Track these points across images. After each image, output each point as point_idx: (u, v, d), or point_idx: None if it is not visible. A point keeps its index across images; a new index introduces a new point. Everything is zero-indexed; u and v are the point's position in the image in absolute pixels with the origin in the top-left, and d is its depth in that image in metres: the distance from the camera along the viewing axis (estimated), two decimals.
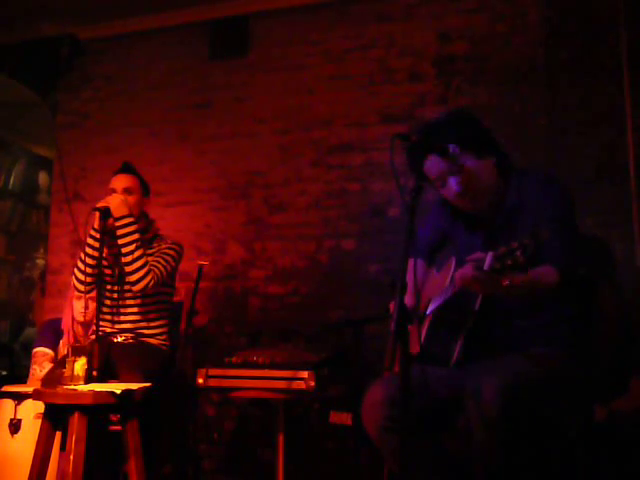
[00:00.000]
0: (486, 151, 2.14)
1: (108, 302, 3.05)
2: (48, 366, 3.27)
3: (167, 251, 3.06)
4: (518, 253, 1.69)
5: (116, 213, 2.95)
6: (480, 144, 2.14)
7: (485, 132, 2.18)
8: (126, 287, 3.00)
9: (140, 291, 2.95)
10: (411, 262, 2.08)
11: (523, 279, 1.88)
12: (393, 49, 3.73)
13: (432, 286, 2.28)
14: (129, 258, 2.91)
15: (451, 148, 2.04)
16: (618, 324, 2.26)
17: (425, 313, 2.20)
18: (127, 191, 3.04)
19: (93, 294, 3.01)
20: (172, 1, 4.02)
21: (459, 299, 2.04)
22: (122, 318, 3.03)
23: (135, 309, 3.03)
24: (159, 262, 2.99)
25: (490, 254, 1.76)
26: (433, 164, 2.13)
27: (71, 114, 4.42)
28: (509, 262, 1.71)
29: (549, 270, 1.95)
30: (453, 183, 2.12)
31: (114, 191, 3.04)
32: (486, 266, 1.77)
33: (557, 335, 2.09)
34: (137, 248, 2.93)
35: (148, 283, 2.91)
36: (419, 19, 3.69)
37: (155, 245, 3.09)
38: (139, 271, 2.91)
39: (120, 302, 3.03)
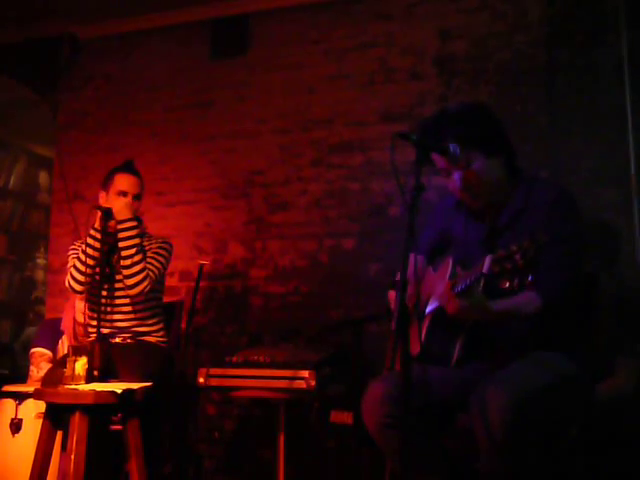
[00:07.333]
0: (495, 149, 2.12)
1: (103, 300, 2.99)
2: (46, 366, 3.27)
3: (159, 251, 3.04)
4: (517, 257, 1.66)
5: (119, 216, 2.92)
6: (488, 142, 2.11)
7: (495, 129, 2.14)
8: (116, 285, 2.97)
9: (136, 295, 2.93)
10: (412, 257, 2.08)
11: (505, 306, 1.92)
12: (393, 48, 3.72)
13: (429, 285, 2.28)
14: (128, 262, 2.89)
15: (452, 148, 2.03)
16: (615, 314, 2.27)
17: (424, 312, 2.21)
18: (136, 197, 3.03)
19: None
20: (172, 1, 4.02)
21: None
22: (115, 317, 3.00)
23: (129, 307, 3.00)
24: (153, 264, 2.97)
25: (489, 257, 1.74)
26: (436, 159, 2.15)
27: (71, 114, 4.41)
28: (508, 266, 1.69)
29: (532, 297, 1.96)
30: (457, 177, 2.12)
31: (124, 194, 2.99)
32: (485, 269, 1.75)
33: (555, 334, 2.09)
34: (137, 253, 2.90)
35: (145, 288, 2.90)
36: (419, 18, 3.68)
37: (145, 243, 3.04)
38: (137, 276, 2.89)
39: (110, 301, 2.98)
